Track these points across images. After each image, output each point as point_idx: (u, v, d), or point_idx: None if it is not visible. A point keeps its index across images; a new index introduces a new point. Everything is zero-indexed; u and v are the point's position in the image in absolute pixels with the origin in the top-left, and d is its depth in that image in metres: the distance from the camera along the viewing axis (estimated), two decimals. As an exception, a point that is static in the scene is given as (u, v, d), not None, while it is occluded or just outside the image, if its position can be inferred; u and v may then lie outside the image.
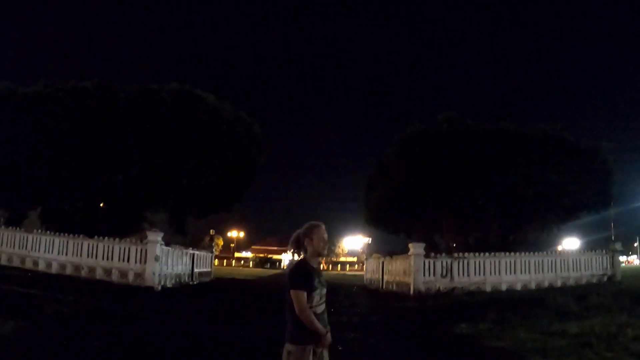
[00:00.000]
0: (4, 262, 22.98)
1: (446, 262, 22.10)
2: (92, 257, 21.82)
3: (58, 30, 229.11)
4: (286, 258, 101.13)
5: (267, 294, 23.75)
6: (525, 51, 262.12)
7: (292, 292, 3.82)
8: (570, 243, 51.48)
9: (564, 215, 27.91)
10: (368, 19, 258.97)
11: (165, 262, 22.06)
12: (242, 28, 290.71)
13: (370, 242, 57.83)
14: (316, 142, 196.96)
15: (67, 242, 22.32)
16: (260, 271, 63.77)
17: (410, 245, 22.34)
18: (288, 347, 3.81)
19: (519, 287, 22.37)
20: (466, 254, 22.68)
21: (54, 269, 22.09)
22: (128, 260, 21.44)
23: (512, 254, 23.33)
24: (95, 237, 22.19)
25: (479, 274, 22.29)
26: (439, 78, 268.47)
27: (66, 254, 22.21)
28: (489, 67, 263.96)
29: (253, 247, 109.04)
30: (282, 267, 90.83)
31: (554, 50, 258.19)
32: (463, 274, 22.08)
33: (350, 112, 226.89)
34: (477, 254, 22.79)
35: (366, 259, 38.02)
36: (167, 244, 22.37)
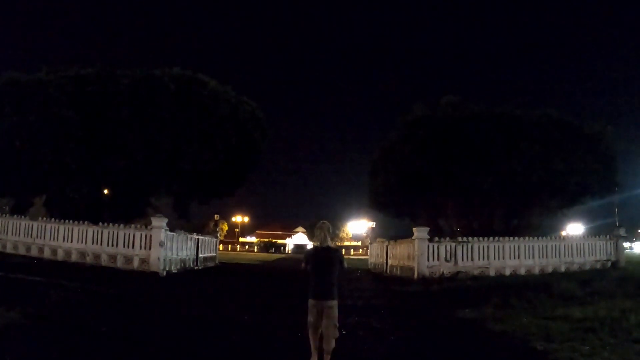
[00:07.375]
0: (9, 250, 23.21)
1: (450, 247, 22.17)
2: (97, 243, 21.98)
3: (60, 18, 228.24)
4: (290, 243, 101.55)
5: (271, 279, 23.86)
6: (529, 35, 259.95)
7: (344, 264, 6.64)
8: (575, 228, 51.35)
9: (568, 200, 27.87)
10: (371, 3, 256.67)
11: (170, 247, 22.18)
12: (243, 11, 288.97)
13: (374, 226, 57.84)
14: (320, 127, 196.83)
15: (72, 229, 22.48)
16: (264, 256, 64.08)
17: (414, 229, 22.37)
18: (335, 302, 6.41)
19: (522, 271, 22.44)
20: (470, 239, 22.71)
21: (60, 256, 22.28)
22: (133, 246, 21.59)
23: (516, 238, 23.38)
24: (100, 223, 22.32)
25: (483, 258, 22.36)
26: (443, 62, 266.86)
27: (71, 241, 22.38)
28: (492, 51, 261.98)
29: (257, 232, 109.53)
30: (286, 251, 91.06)
31: (559, 34, 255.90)
32: (467, 259, 22.17)
33: (354, 96, 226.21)
34: (481, 238, 22.84)
35: (370, 243, 38.11)
36: (171, 230, 22.46)
